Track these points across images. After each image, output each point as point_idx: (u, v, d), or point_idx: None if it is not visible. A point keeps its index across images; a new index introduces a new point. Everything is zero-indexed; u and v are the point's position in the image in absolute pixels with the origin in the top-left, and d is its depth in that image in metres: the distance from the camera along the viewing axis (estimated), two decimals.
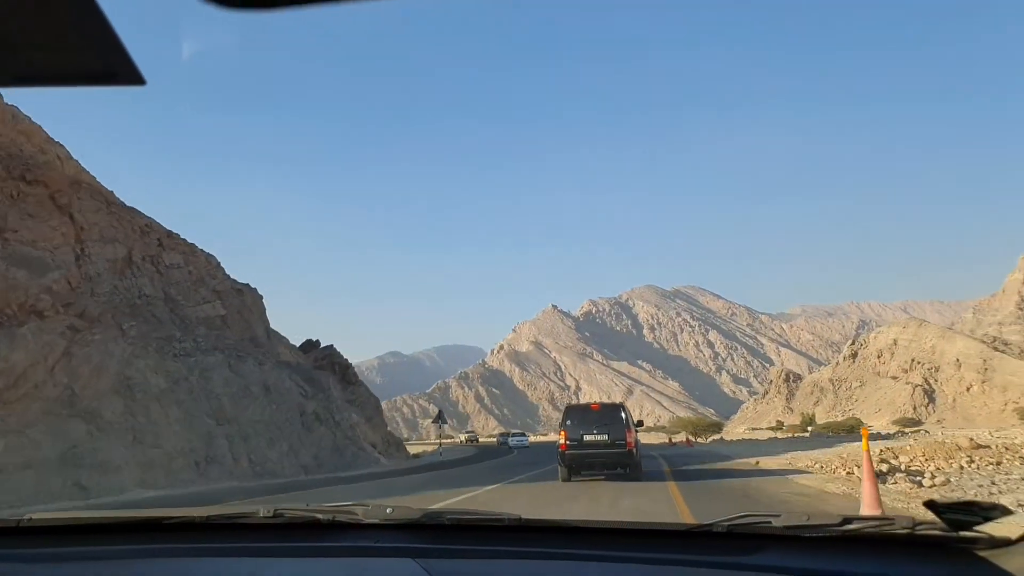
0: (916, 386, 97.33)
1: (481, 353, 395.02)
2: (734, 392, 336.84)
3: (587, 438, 15.04)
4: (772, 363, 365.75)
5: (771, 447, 34.19)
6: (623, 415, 15.50)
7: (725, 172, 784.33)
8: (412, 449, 55.24)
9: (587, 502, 11.46)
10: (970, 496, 9.76)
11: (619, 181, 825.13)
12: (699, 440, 58.24)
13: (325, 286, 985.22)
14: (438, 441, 53.55)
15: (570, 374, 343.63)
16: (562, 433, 15.41)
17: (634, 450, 15.16)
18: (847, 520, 1.62)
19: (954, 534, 1.49)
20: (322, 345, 42.32)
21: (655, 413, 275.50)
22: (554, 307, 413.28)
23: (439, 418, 43.84)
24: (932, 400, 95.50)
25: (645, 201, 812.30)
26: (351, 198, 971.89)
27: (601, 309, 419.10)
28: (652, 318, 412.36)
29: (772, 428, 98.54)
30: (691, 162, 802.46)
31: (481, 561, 1.73)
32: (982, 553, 1.45)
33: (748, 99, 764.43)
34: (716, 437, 70.97)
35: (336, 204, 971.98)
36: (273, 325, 33.75)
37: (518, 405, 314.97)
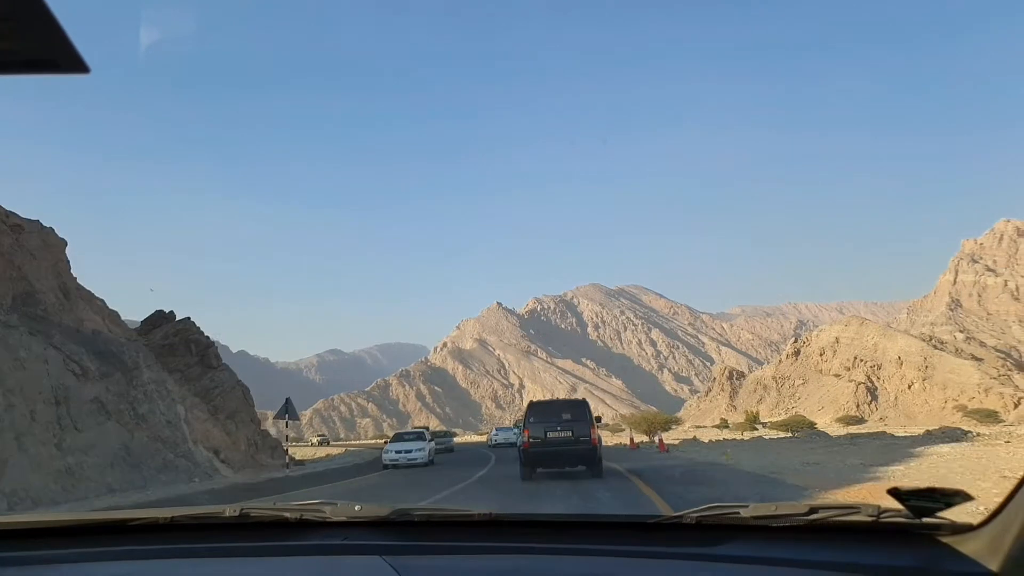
0: (859, 384, 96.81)
1: (425, 351, 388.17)
2: (676, 390, 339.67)
3: (551, 435, 14.86)
4: (713, 362, 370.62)
5: (792, 451, 25.02)
6: (586, 411, 15.37)
7: (669, 173, 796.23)
8: (303, 452, 47.49)
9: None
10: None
11: (566, 179, 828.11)
12: (647, 440, 51.29)
13: (258, 282, 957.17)
14: (308, 443, 45.96)
15: (514, 372, 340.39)
16: (525, 431, 15.04)
17: (598, 446, 15.12)
18: (813, 510, 1.63)
19: (917, 521, 1.51)
20: (177, 318, 34.61)
21: (598, 411, 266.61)
22: (499, 304, 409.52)
23: (284, 411, 25.30)
24: (875, 398, 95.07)
25: (591, 200, 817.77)
26: (293, 192, 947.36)
27: (546, 307, 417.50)
28: (596, 316, 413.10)
29: (717, 426, 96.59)
30: (636, 162, 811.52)
31: (451, 557, 1.71)
32: (944, 539, 1.47)
33: (694, 102, 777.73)
34: (678, 440, 66.09)
35: (277, 199, 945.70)
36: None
37: (460, 403, 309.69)
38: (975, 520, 1.41)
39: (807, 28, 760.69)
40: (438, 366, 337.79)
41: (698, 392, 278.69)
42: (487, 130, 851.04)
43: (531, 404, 16.15)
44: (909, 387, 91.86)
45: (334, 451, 59.14)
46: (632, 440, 43.11)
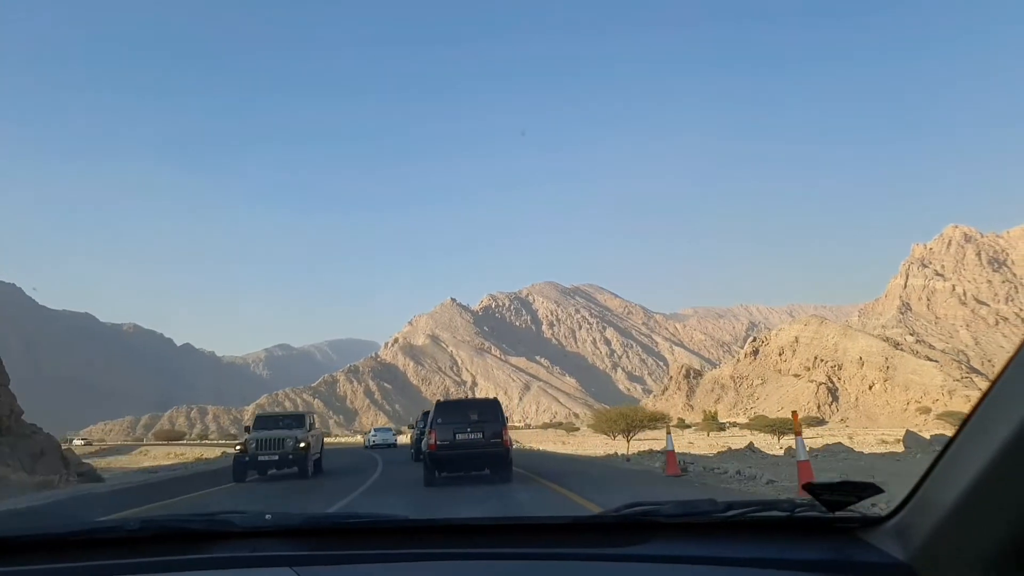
0: (819, 384, 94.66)
1: (377, 348, 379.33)
2: (629, 389, 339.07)
3: (460, 437, 14.02)
4: (666, 361, 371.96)
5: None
6: (499, 411, 14.66)
7: (625, 174, 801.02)
8: (115, 462, 36.02)
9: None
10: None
11: (522, 177, 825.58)
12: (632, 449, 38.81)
13: (207, 276, 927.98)
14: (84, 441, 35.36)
15: (467, 369, 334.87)
16: (431, 433, 14.15)
17: (510, 448, 14.47)
18: (731, 506, 1.66)
19: (830, 515, 1.56)
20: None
21: (552, 409, 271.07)
22: (453, 300, 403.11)
23: None
24: (835, 398, 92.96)
25: (547, 198, 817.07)
26: (247, 190, 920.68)
27: (501, 304, 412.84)
28: (551, 314, 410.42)
29: (676, 426, 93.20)
30: (593, 160, 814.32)
31: (366, 566, 1.67)
32: (856, 531, 1.51)
33: (648, 105, 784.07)
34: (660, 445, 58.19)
35: (232, 196, 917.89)
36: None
37: (411, 400, 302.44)
38: (884, 512, 1.44)
39: (761, 37, 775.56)
40: (388, 362, 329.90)
41: (651, 391, 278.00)
42: (442, 127, 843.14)
43: (438, 404, 15.11)
44: (870, 388, 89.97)
45: (158, 458, 43.89)
46: (673, 460, 15.36)
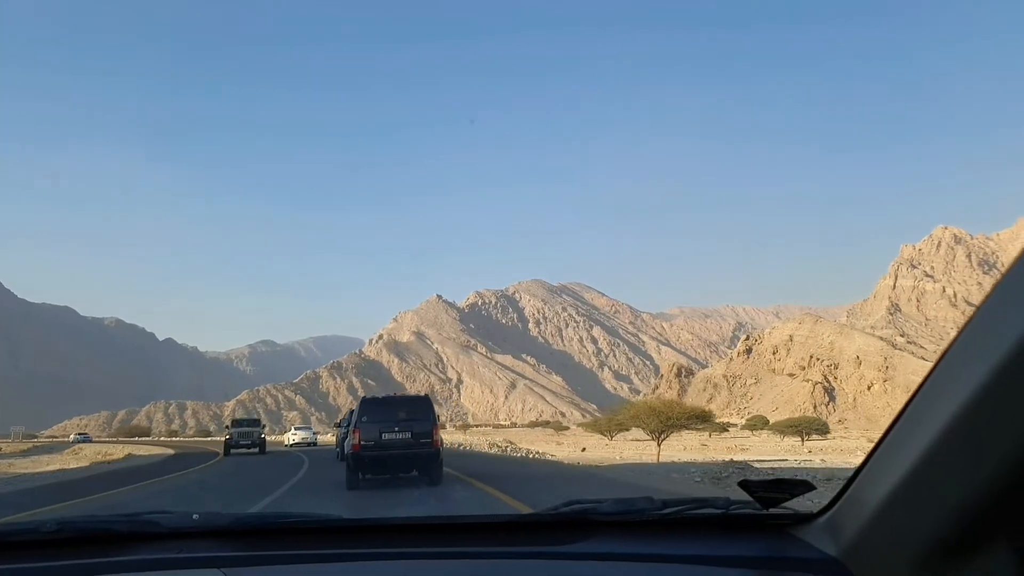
0: (816, 384, 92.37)
1: (362, 345, 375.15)
2: (615, 388, 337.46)
3: (387, 436, 13.24)
4: (653, 361, 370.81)
5: None
6: (429, 409, 13.94)
7: (612, 173, 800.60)
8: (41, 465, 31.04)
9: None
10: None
11: (510, 174, 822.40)
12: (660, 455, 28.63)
13: (191, 270, 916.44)
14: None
15: (452, 366, 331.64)
16: (355, 432, 13.32)
17: (440, 448, 13.72)
18: (668, 504, 1.68)
19: (764, 512, 1.60)
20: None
21: (538, 408, 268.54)
22: (439, 297, 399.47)
23: None
24: (832, 399, 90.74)
25: (536, 195, 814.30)
26: (228, 180, 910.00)
27: (487, 301, 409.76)
28: (538, 312, 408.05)
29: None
30: (581, 159, 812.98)
31: (298, 566, 1.62)
32: (789, 528, 1.54)
33: (640, 100, 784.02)
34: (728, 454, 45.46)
35: (220, 191, 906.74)
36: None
37: None
38: (815, 509, 1.48)
39: (750, 38, 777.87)
40: (373, 359, 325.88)
41: (639, 391, 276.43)
42: (428, 123, 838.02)
43: (363, 400, 14.52)
44: (869, 388, 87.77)
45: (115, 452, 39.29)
46: None
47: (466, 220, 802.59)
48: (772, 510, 1.59)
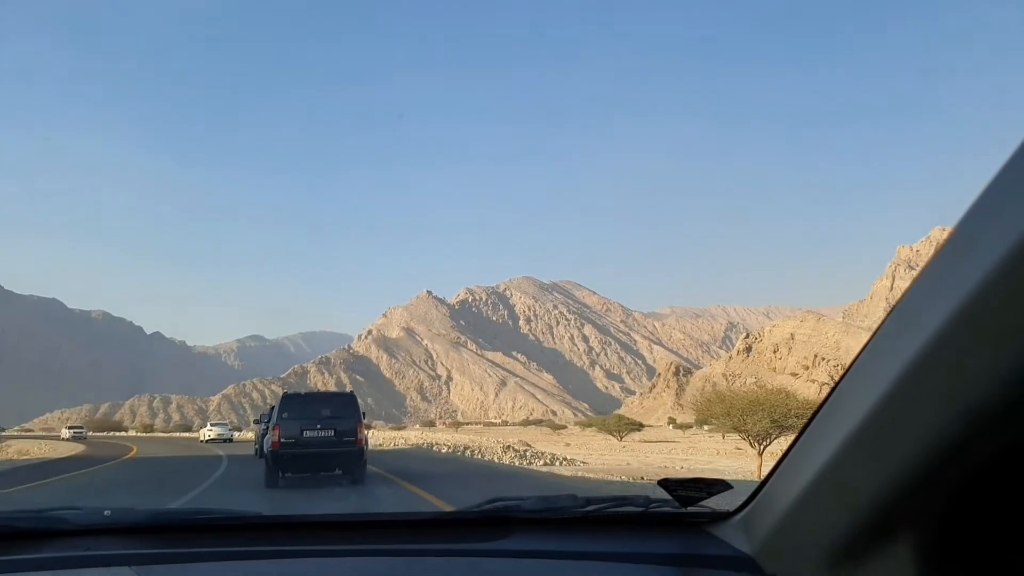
0: (822, 384, 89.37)
1: (351, 342, 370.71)
2: (607, 387, 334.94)
3: (308, 434, 12.88)
4: (645, 360, 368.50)
5: None
6: (354, 407, 13.57)
7: (604, 170, 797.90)
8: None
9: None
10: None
11: (502, 170, 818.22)
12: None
13: (180, 263, 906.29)
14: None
15: (442, 363, 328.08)
16: (275, 429, 12.90)
17: (364, 447, 13.45)
18: (590, 502, 1.69)
19: (682, 510, 1.62)
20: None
21: (528, 406, 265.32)
22: (429, 293, 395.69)
23: None
24: None
25: (527, 191, 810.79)
26: (217, 173, 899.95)
27: (478, 298, 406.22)
28: (529, 310, 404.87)
29: (671, 427, 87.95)
30: (574, 156, 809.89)
31: (213, 564, 1.55)
32: (706, 526, 1.56)
33: (634, 99, 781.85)
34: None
35: (201, 177, 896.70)
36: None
37: (384, 394, 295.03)
38: (731, 507, 1.49)
39: (745, 36, 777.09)
40: (362, 354, 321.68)
41: (631, 390, 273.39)
42: (419, 116, 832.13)
43: (285, 396, 13.74)
44: None
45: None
46: None
47: (457, 216, 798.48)
48: (690, 508, 1.61)
